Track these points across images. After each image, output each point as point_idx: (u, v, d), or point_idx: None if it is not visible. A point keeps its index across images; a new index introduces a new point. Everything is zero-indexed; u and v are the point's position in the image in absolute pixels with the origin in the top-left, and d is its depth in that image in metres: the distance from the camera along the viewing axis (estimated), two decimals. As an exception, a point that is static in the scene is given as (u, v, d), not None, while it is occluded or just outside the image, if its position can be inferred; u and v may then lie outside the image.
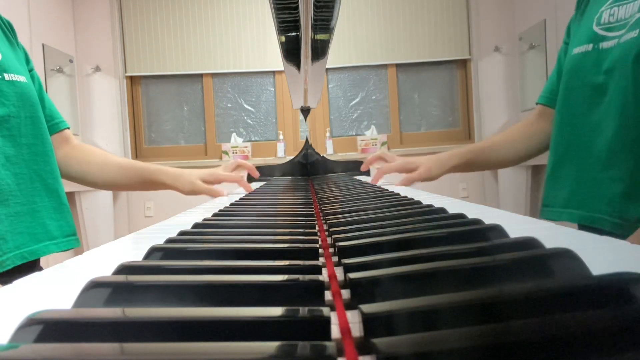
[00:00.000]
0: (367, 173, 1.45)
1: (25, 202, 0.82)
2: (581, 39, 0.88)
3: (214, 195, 1.02)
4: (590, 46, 0.85)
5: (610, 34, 0.82)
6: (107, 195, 3.16)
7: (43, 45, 2.84)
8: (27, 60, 0.94)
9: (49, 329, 0.21)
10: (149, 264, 0.34)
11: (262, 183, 1.39)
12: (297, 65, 0.92)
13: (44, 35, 2.87)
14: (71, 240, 0.89)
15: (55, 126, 0.97)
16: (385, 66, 3.49)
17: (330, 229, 0.45)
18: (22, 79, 0.83)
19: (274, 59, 3.36)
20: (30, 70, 0.94)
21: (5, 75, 0.80)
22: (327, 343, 0.19)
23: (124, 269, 0.32)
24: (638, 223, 0.74)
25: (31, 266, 0.82)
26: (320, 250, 0.38)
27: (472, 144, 1.13)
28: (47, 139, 0.89)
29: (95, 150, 1.05)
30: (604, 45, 0.82)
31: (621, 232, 0.76)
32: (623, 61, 0.77)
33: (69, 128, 1.01)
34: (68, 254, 1.23)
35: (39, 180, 0.85)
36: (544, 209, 0.94)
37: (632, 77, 0.75)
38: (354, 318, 0.24)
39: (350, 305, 0.26)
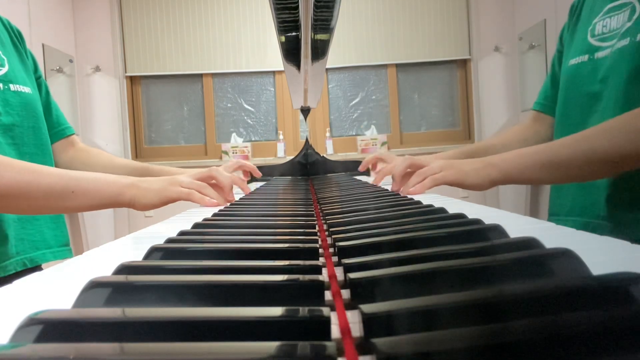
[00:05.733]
0: (367, 173, 1.45)
1: None
2: (576, 50, 0.91)
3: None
4: (586, 57, 0.88)
5: (604, 44, 0.85)
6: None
7: (43, 45, 2.84)
8: (36, 68, 0.96)
9: (49, 329, 0.21)
10: (149, 264, 0.34)
11: (262, 183, 1.39)
12: (297, 65, 0.92)
13: (44, 35, 2.87)
14: (64, 250, 0.92)
15: (61, 132, 1.01)
16: (385, 66, 3.49)
17: (330, 229, 0.45)
18: (27, 89, 0.86)
19: (274, 59, 3.36)
20: (38, 78, 0.96)
21: (11, 86, 0.83)
22: (327, 343, 0.19)
23: (124, 269, 0.32)
24: (636, 225, 0.76)
25: (32, 271, 0.85)
26: (320, 250, 0.38)
27: (470, 145, 1.14)
28: (48, 149, 0.92)
29: (100, 152, 1.09)
30: (599, 55, 0.85)
31: (619, 237, 0.77)
32: (616, 69, 0.80)
33: (74, 134, 1.05)
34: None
35: None
36: (550, 218, 0.96)
37: (625, 84, 0.78)
38: (354, 318, 0.24)
39: (350, 305, 0.26)
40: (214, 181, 0.78)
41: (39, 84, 0.96)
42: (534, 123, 1.09)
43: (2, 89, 0.82)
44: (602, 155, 0.67)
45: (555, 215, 0.95)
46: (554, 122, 1.05)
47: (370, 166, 1.29)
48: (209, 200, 0.74)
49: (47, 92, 0.99)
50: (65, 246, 0.93)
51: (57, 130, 1.00)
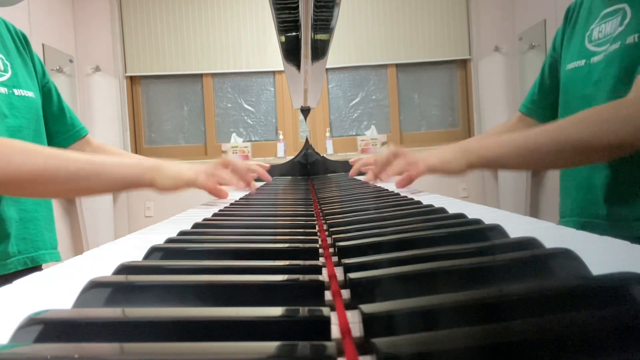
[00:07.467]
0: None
1: (29, 209, 0.86)
2: (574, 55, 0.93)
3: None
4: (583, 62, 0.90)
5: (599, 49, 0.87)
6: (107, 195, 3.16)
7: (43, 45, 2.84)
8: (44, 72, 0.96)
9: (49, 329, 0.21)
10: (149, 264, 0.34)
11: (262, 183, 1.39)
12: (297, 65, 0.92)
13: (44, 35, 2.87)
14: (55, 253, 0.93)
15: (77, 133, 1.02)
16: (385, 66, 3.49)
17: (330, 229, 0.45)
18: (30, 94, 0.88)
19: (274, 59, 3.36)
20: (47, 82, 0.96)
21: (15, 90, 0.85)
22: (327, 343, 0.19)
23: (124, 269, 0.32)
24: (634, 223, 0.76)
25: (32, 271, 0.86)
26: (320, 250, 0.38)
27: (454, 143, 1.13)
28: None
29: (115, 149, 1.10)
30: (594, 59, 0.87)
31: (619, 235, 0.78)
32: (607, 72, 0.81)
33: (88, 133, 1.05)
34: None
35: None
36: (560, 220, 0.97)
37: (615, 86, 0.79)
38: (354, 318, 0.24)
39: (350, 305, 0.26)
40: (230, 168, 0.82)
41: (49, 88, 0.97)
42: (519, 123, 1.10)
43: (7, 93, 0.83)
44: (572, 144, 0.70)
45: (563, 217, 0.97)
46: (538, 125, 1.06)
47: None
48: (224, 192, 0.78)
49: (59, 95, 1.00)
50: (54, 249, 0.94)
51: (73, 132, 1.01)
